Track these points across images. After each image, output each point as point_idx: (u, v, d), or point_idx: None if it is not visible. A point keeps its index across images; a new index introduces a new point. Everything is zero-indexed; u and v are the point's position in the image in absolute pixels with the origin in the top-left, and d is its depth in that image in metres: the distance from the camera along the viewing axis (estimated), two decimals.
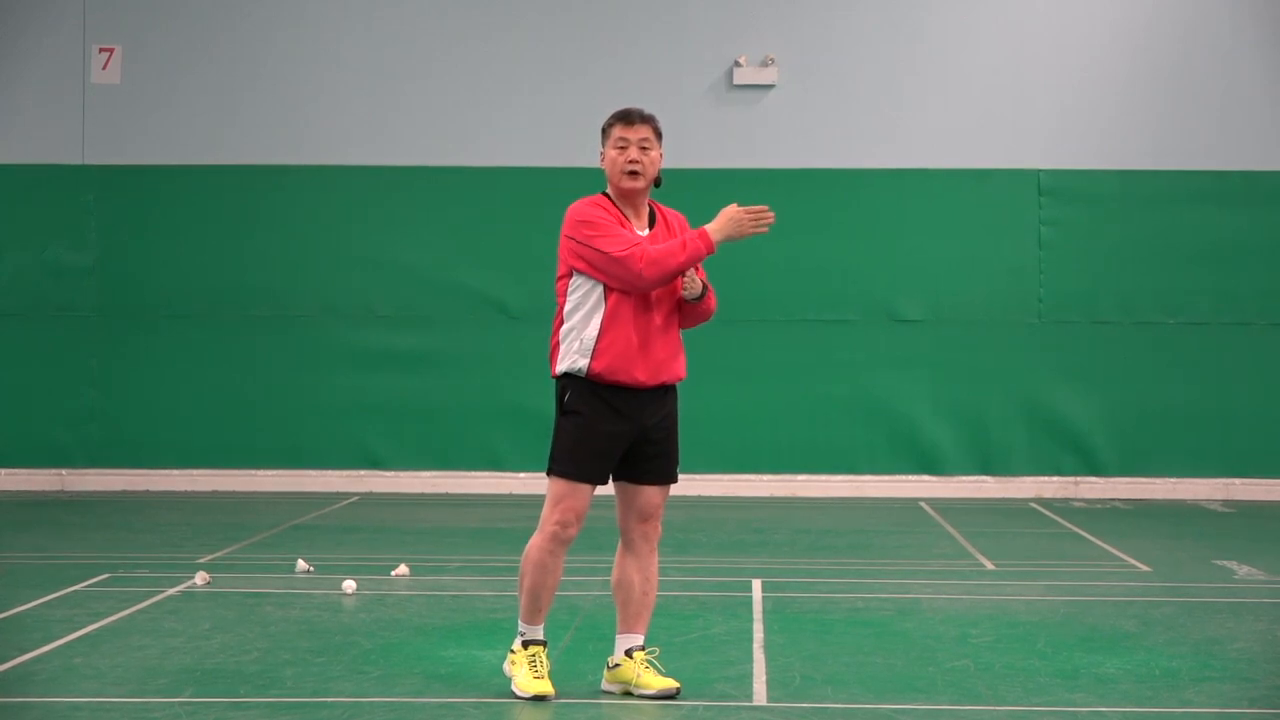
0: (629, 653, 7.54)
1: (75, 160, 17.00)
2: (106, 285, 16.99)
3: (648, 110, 7.55)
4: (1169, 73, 16.83)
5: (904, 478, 16.75)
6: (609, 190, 7.55)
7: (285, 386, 16.90)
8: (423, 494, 16.62)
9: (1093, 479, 16.72)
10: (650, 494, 7.53)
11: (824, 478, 16.68)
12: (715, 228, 7.37)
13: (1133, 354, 16.74)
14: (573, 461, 7.37)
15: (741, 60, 16.88)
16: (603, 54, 17.01)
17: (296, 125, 17.06)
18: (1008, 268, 16.80)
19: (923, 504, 16.03)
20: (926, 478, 16.75)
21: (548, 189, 16.52)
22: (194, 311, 16.97)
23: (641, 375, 7.36)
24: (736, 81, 16.91)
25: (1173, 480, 16.71)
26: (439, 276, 16.93)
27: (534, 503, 14.42)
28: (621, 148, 7.43)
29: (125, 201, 17.01)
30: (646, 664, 7.53)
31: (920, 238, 16.82)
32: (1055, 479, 16.72)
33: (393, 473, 16.87)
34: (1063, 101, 16.84)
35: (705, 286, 7.48)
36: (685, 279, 7.39)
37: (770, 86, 16.93)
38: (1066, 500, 16.46)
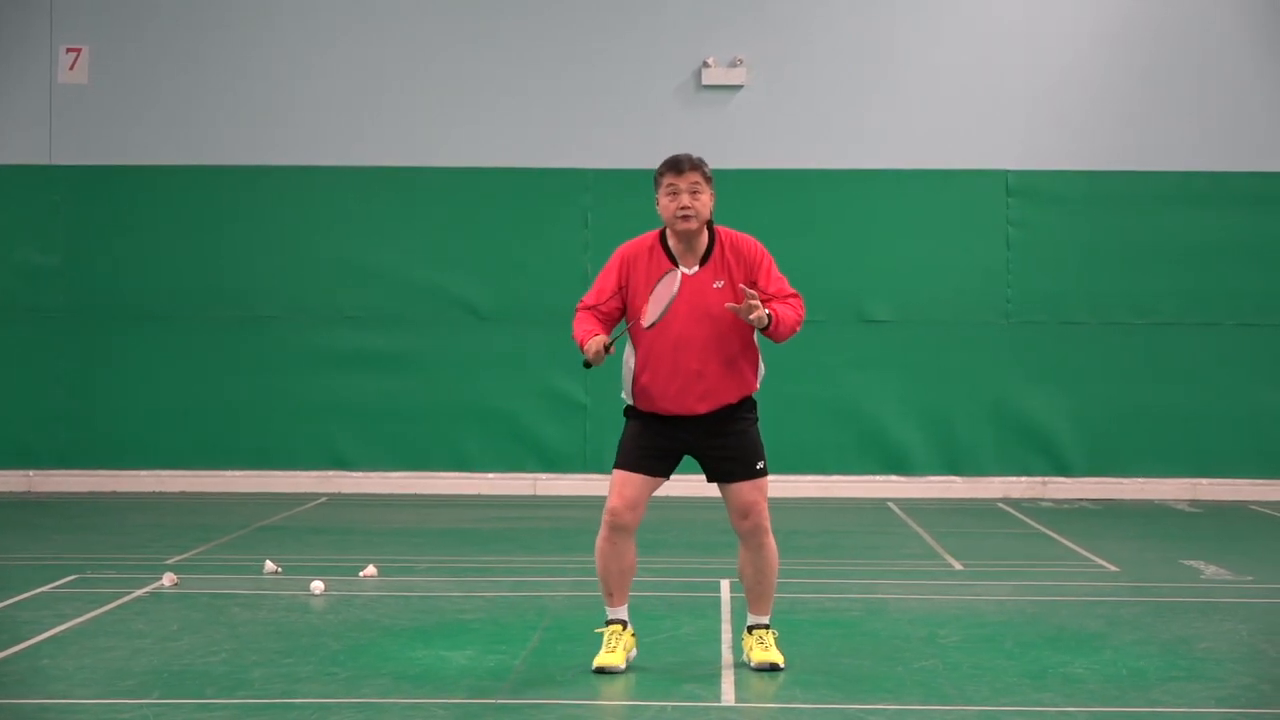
0: (750, 629, 8.26)
1: (43, 161, 16.93)
2: (74, 286, 16.93)
3: (696, 156, 7.98)
4: (1138, 74, 16.88)
5: (872, 478, 16.78)
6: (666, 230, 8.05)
7: (254, 387, 16.85)
8: (391, 495, 16.58)
9: (1061, 479, 16.76)
10: (737, 491, 8.36)
11: (792, 478, 16.67)
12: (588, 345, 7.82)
13: (1101, 354, 16.79)
14: (624, 454, 8.11)
15: (710, 61, 16.88)
16: (573, 55, 17.00)
17: (265, 126, 17.01)
18: (976, 268, 16.84)
19: (891, 504, 16.05)
20: (895, 478, 16.77)
21: (518, 190, 16.55)
22: (162, 312, 16.92)
23: (675, 409, 8.07)
24: (705, 82, 16.92)
25: (1141, 480, 16.76)
26: (408, 278, 16.89)
27: (503, 503, 14.40)
28: (673, 194, 7.93)
29: (93, 202, 16.95)
30: (759, 640, 8.17)
31: (889, 238, 16.85)
32: (1023, 479, 16.76)
33: (361, 473, 16.83)
34: (1031, 102, 16.88)
35: (770, 316, 8.03)
36: (751, 315, 7.91)
37: (739, 87, 16.94)
38: (1035, 500, 16.49)
